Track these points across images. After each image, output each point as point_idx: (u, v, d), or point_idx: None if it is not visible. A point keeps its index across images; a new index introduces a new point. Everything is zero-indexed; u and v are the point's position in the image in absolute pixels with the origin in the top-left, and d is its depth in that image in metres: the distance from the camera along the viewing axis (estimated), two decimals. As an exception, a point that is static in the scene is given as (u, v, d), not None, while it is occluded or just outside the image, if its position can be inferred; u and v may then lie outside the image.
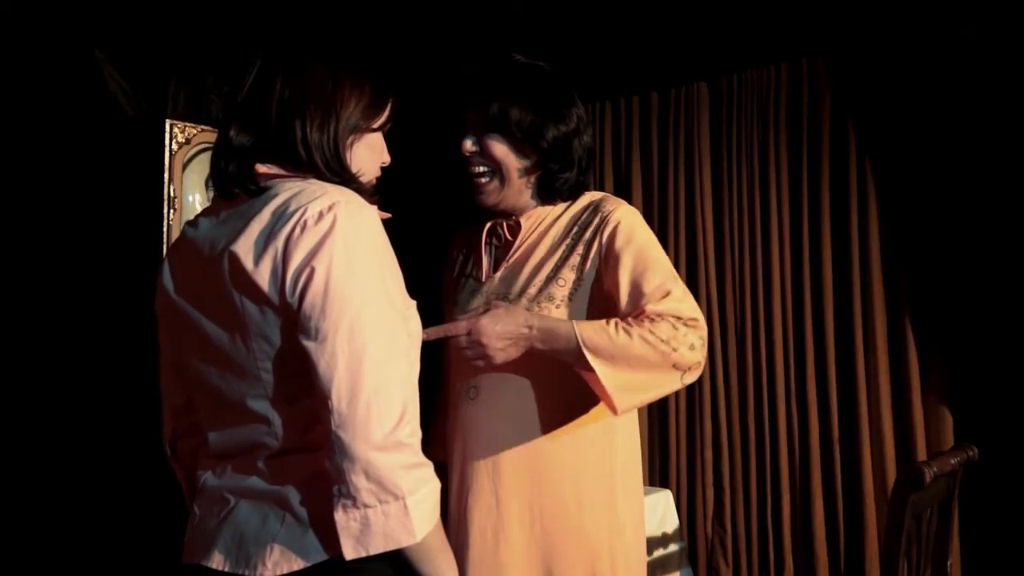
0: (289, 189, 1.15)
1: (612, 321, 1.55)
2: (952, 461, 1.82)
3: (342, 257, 1.08)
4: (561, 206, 1.73)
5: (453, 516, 1.67)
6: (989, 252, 2.76)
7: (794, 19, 3.07)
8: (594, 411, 1.64)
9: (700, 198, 3.34)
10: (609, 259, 1.62)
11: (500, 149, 1.66)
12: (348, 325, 1.06)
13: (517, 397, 1.63)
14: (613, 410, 1.55)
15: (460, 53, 2.99)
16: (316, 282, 1.07)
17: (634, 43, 3.38)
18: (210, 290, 1.16)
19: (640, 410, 1.68)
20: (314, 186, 1.15)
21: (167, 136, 2.99)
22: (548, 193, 1.71)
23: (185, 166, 3.05)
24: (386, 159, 1.33)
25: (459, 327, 1.54)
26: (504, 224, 1.74)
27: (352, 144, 1.24)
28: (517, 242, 1.72)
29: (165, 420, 1.39)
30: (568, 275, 1.64)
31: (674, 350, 1.53)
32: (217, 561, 1.14)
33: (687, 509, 3.31)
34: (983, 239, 2.77)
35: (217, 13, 2.98)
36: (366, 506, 1.05)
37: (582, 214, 1.70)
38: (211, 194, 1.26)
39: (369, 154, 1.28)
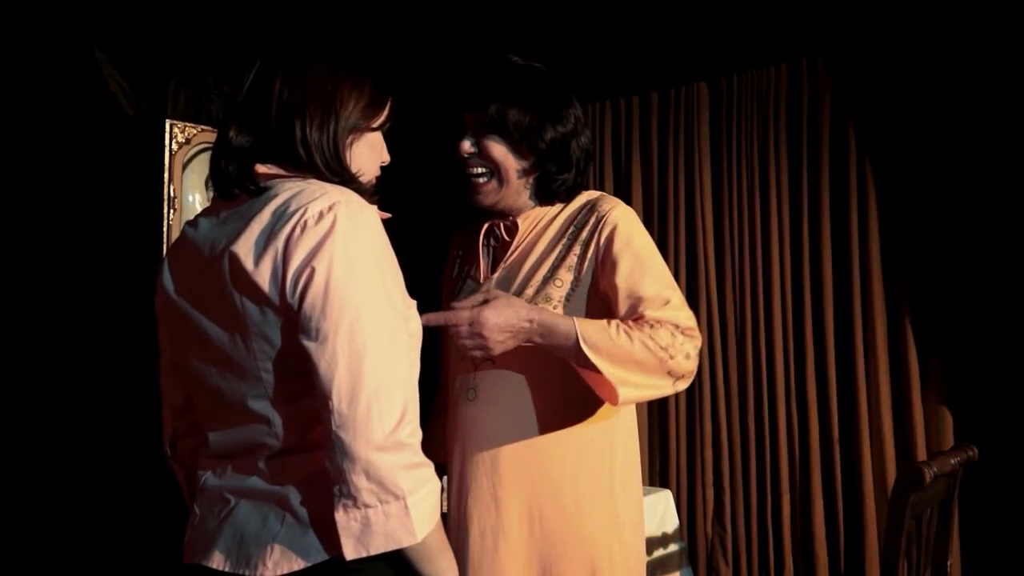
0: (289, 189, 1.15)
1: (613, 322, 1.56)
2: (952, 461, 1.82)
3: (342, 257, 1.08)
4: (558, 206, 1.73)
5: (452, 516, 1.67)
6: (989, 252, 2.76)
7: (794, 19, 3.07)
8: (594, 411, 1.64)
9: (700, 198, 3.34)
10: (606, 263, 1.63)
11: (498, 150, 1.66)
12: (348, 325, 1.06)
13: (516, 397, 1.63)
14: (613, 400, 1.54)
15: (460, 53, 2.99)
16: (316, 282, 1.07)
17: (634, 43, 3.38)
18: (210, 290, 1.16)
19: (640, 410, 1.69)
20: (314, 186, 1.15)
21: (167, 136, 2.99)
22: (546, 194, 1.71)
23: (185, 166, 3.05)
24: (386, 158, 1.33)
25: (461, 317, 1.54)
26: (501, 224, 1.74)
27: (352, 144, 1.24)
28: (515, 243, 1.72)
29: (165, 420, 1.39)
30: (565, 276, 1.64)
31: (671, 357, 1.55)
32: (217, 561, 1.14)
33: (687, 509, 3.31)
34: (983, 239, 2.77)
35: (217, 13, 2.98)
36: (367, 506, 1.05)
37: (578, 213, 1.70)
38: (211, 194, 1.26)
39: (369, 153, 1.28)
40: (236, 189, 1.19)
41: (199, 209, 2.92)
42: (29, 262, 2.84)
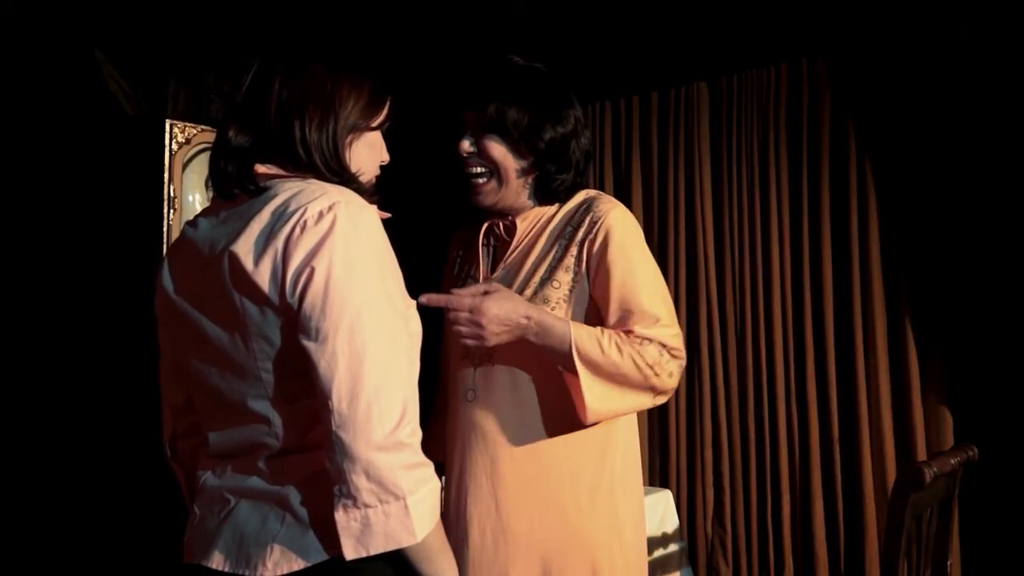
0: (289, 189, 1.15)
1: (606, 333, 1.57)
2: (952, 461, 1.82)
3: (342, 257, 1.08)
4: (556, 205, 1.73)
5: (452, 517, 1.66)
6: (989, 252, 2.76)
7: (794, 19, 3.07)
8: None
9: (700, 198, 3.34)
10: (599, 271, 1.63)
11: (498, 150, 1.66)
12: (348, 325, 1.06)
13: (516, 398, 1.63)
14: (582, 415, 1.57)
15: (460, 53, 2.99)
16: (316, 282, 1.07)
17: (634, 43, 3.38)
18: (210, 290, 1.16)
19: (640, 410, 1.70)
20: (314, 186, 1.15)
21: (167, 136, 2.99)
22: (545, 194, 1.71)
23: (185, 166, 3.05)
24: (385, 158, 1.33)
25: (462, 302, 1.54)
26: (501, 224, 1.74)
27: (351, 143, 1.24)
28: (514, 243, 1.72)
29: (165, 420, 1.39)
30: (563, 277, 1.65)
31: (656, 375, 1.58)
32: (217, 561, 1.14)
33: (687, 509, 3.31)
34: (983, 239, 2.77)
35: (217, 13, 2.98)
36: (367, 506, 1.05)
37: (575, 213, 1.70)
38: (211, 194, 1.26)
39: (368, 153, 1.28)
40: (236, 189, 1.19)
41: (199, 209, 2.92)
42: (29, 262, 2.84)
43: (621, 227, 1.65)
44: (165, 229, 2.98)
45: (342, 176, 1.20)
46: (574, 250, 1.65)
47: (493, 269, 1.74)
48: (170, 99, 3.17)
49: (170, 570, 1.29)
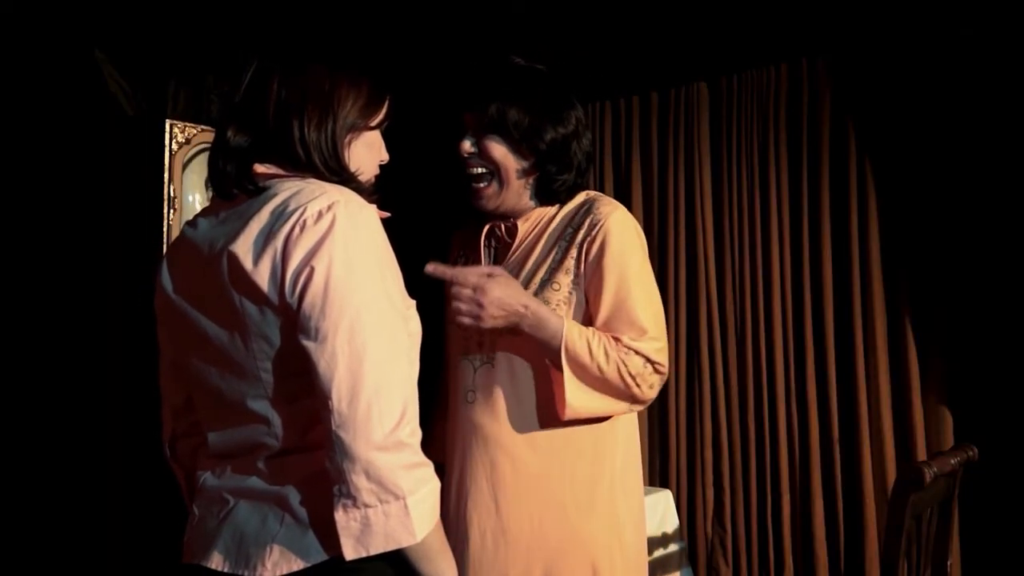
0: (288, 189, 1.15)
1: (597, 335, 1.58)
2: (952, 461, 1.82)
3: (341, 257, 1.08)
4: (557, 205, 1.73)
5: (452, 518, 1.66)
6: (989, 252, 2.76)
7: (794, 19, 3.07)
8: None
9: (700, 198, 3.34)
10: (594, 275, 1.63)
11: (498, 150, 1.66)
12: (348, 325, 1.06)
13: (515, 399, 1.63)
14: (561, 412, 1.58)
15: (460, 53, 2.99)
16: (316, 282, 1.07)
17: (634, 43, 3.38)
18: (209, 290, 1.16)
19: (640, 410, 1.71)
20: (313, 185, 1.15)
21: (167, 136, 2.99)
22: (546, 195, 1.71)
23: (185, 166, 3.05)
24: (384, 157, 1.33)
25: (468, 279, 1.55)
26: (502, 226, 1.74)
27: (350, 143, 1.24)
28: (515, 244, 1.72)
29: (165, 420, 1.39)
30: (563, 279, 1.65)
31: (637, 386, 1.59)
32: (216, 562, 1.14)
33: (687, 509, 3.31)
34: (983, 239, 2.77)
35: (217, 13, 2.98)
36: (366, 506, 1.05)
37: (575, 214, 1.70)
38: (211, 194, 1.26)
39: (367, 152, 1.28)
40: (235, 189, 1.19)
41: (199, 209, 2.92)
42: (29, 262, 2.84)
43: (619, 232, 1.64)
44: (165, 229, 2.98)
45: (341, 175, 1.20)
46: (573, 252, 1.65)
47: (494, 271, 1.73)
48: (170, 99, 3.17)
49: (170, 570, 1.29)
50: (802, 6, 3.01)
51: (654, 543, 2.86)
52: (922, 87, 2.87)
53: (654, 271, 1.72)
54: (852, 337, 2.99)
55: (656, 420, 3.42)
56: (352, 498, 1.04)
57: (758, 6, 3.05)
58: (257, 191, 1.18)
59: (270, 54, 1.22)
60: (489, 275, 1.57)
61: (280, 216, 1.11)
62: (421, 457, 1.10)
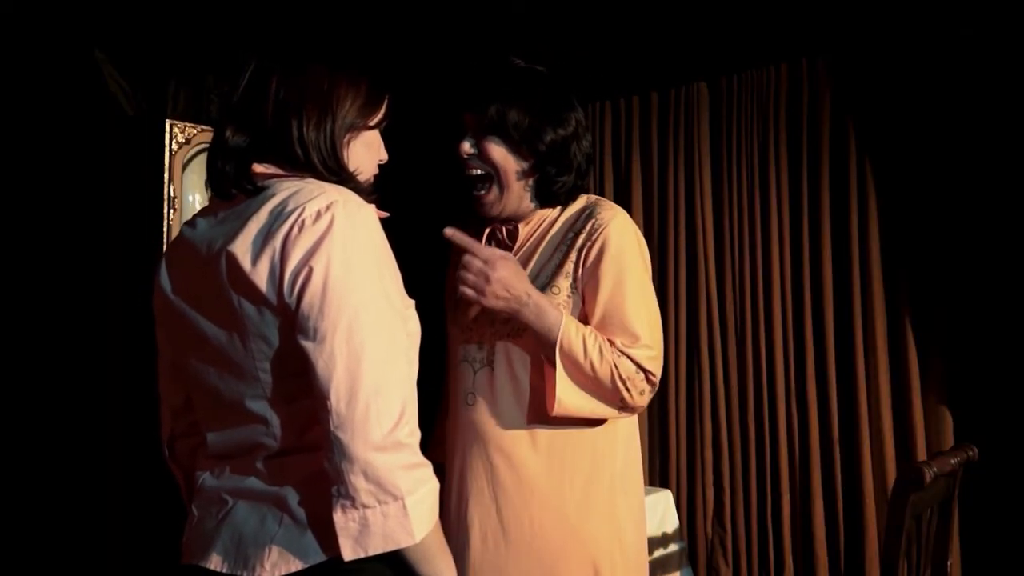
0: (287, 189, 1.15)
1: (594, 335, 1.58)
2: (952, 461, 1.82)
3: (340, 257, 1.08)
4: (558, 209, 1.73)
5: (453, 520, 1.66)
6: (989, 252, 2.76)
7: (794, 19, 3.07)
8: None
9: (700, 198, 3.34)
10: (591, 279, 1.63)
11: (498, 151, 1.66)
12: (346, 325, 1.06)
13: (515, 401, 1.63)
14: (549, 408, 1.58)
15: (460, 53, 2.99)
16: (314, 282, 1.07)
17: (634, 43, 3.38)
18: (208, 290, 1.16)
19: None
20: (312, 185, 1.15)
21: (167, 136, 2.99)
22: (546, 196, 1.71)
23: (185, 166, 3.05)
24: (383, 156, 1.33)
25: (481, 252, 1.56)
26: (503, 229, 1.74)
27: (349, 142, 1.24)
28: (515, 247, 1.72)
29: (164, 420, 1.39)
30: (563, 283, 1.65)
31: (628, 391, 1.58)
32: (215, 562, 1.14)
33: (687, 509, 3.31)
34: (983, 239, 2.77)
35: (217, 13, 2.98)
36: (365, 507, 1.05)
37: (577, 219, 1.70)
38: (211, 194, 1.26)
39: (366, 152, 1.28)
40: (233, 189, 1.19)
41: (199, 209, 2.92)
42: (29, 262, 2.84)
43: (619, 238, 1.64)
44: (165, 229, 2.98)
45: (340, 175, 1.20)
46: (573, 256, 1.65)
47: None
48: (170, 99, 3.17)
49: (169, 570, 1.29)
50: (802, 6, 3.01)
51: (654, 543, 2.86)
52: (922, 87, 2.87)
53: (654, 271, 1.72)
54: (852, 337, 2.98)
55: (656, 420, 3.42)
56: (350, 499, 1.04)
57: (758, 6, 3.05)
58: (256, 191, 1.18)
59: (269, 54, 1.22)
60: (502, 256, 1.58)
61: (279, 216, 1.11)
62: (420, 457, 1.09)
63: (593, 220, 1.66)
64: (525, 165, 1.67)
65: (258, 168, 1.19)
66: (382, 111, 1.28)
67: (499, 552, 1.61)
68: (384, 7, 3.08)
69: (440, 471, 1.61)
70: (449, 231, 1.57)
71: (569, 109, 1.70)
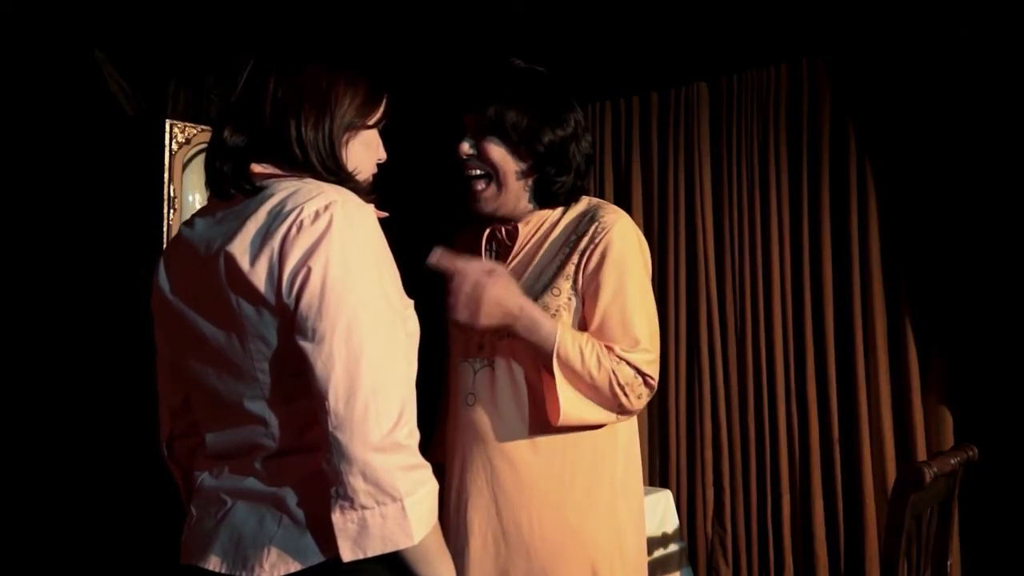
0: (285, 188, 1.15)
1: (591, 342, 1.57)
2: (952, 461, 1.82)
3: (339, 257, 1.08)
4: (559, 211, 1.72)
5: (453, 521, 1.66)
6: (989, 252, 2.76)
7: (794, 19, 3.07)
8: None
9: (700, 198, 3.34)
10: (591, 283, 1.62)
11: (497, 152, 1.65)
12: (345, 325, 1.06)
13: (515, 402, 1.63)
14: (555, 418, 1.57)
15: (460, 54, 2.99)
16: (313, 282, 1.07)
17: (634, 43, 3.38)
18: (206, 290, 1.15)
19: (640, 411, 1.70)
20: (310, 185, 1.14)
21: (167, 136, 2.99)
22: (545, 197, 1.70)
23: (185, 166, 3.05)
24: (382, 156, 1.33)
25: (469, 275, 1.55)
26: (503, 229, 1.74)
27: (347, 142, 1.24)
28: (516, 248, 1.72)
29: (163, 420, 1.38)
30: (563, 285, 1.64)
31: (626, 396, 1.58)
32: (214, 563, 1.13)
33: (687, 509, 3.31)
34: (983, 239, 2.77)
35: (217, 13, 2.98)
36: (363, 508, 1.04)
37: (579, 222, 1.70)
38: (209, 194, 1.26)
39: (365, 151, 1.28)
40: (232, 189, 1.18)
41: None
42: (29, 262, 2.84)
43: (621, 243, 1.64)
44: (165, 229, 2.98)
45: (338, 175, 1.19)
46: (575, 258, 1.65)
47: (495, 274, 1.73)
48: (170, 99, 3.17)
49: (168, 571, 1.29)
50: (802, 6, 3.01)
51: (654, 543, 2.86)
52: (922, 87, 2.87)
53: (654, 272, 1.72)
54: (852, 337, 2.98)
55: (656, 420, 3.41)
56: (349, 499, 1.04)
57: (758, 6, 3.05)
58: (254, 191, 1.17)
59: (267, 53, 1.22)
60: (490, 272, 1.56)
61: (277, 216, 1.11)
62: (419, 458, 1.09)
63: (596, 224, 1.66)
64: (524, 165, 1.67)
65: (256, 168, 1.19)
66: (381, 110, 1.28)
67: (499, 553, 1.61)
68: (383, 7, 3.08)
69: (440, 472, 1.61)
70: (434, 258, 1.55)
71: (568, 110, 1.70)
